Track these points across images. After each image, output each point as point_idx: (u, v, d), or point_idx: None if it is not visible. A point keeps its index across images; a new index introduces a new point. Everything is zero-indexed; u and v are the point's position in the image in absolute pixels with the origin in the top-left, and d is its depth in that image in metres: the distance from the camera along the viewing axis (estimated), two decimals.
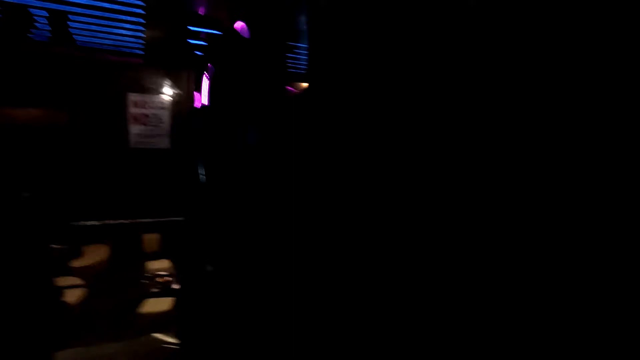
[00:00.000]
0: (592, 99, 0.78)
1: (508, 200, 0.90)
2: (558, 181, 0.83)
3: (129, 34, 4.86)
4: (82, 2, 4.07)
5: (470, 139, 0.99)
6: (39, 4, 3.89)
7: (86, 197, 1.94)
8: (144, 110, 2.36)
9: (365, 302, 1.22)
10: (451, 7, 1.03)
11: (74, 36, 4.93)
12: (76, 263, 2.23)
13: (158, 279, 2.27)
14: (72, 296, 2.06)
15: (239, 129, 2.18)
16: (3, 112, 2.06)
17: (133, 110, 2.30)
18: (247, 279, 2.00)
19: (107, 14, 4.39)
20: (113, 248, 2.18)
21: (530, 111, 0.87)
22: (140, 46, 3.83)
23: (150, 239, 2.38)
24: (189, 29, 3.43)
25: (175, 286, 2.23)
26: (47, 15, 3.69)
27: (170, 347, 1.99)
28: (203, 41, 3.72)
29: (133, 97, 2.33)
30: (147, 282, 2.25)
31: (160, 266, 2.30)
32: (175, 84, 2.52)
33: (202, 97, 2.63)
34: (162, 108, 2.46)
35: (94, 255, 2.22)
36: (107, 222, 2.09)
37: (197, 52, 3.43)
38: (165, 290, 2.22)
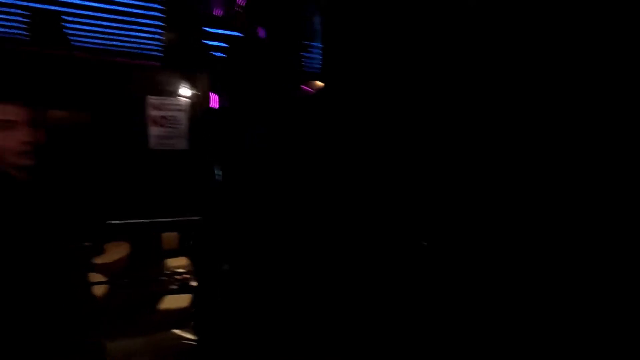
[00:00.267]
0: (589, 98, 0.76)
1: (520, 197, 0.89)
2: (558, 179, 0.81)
3: (147, 36, 4.96)
4: (102, 6, 4.17)
5: (482, 138, 0.97)
6: (65, 9, 4.01)
7: (107, 197, 2.00)
8: (162, 113, 2.42)
9: (389, 300, 1.22)
10: (460, 7, 1.01)
11: (95, 41, 5.06)
12: (98, 260, 2.32)
13: (176, 276, 2.33)
14: (95, 292, 2.14)
15: (255, 129, 2.21)
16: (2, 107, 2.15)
17: (152, 112, 2.36)
18: (263, 277, 2.03)
19: (126, 18, 4.50)
20: (133, 246, 2.24)
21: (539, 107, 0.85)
22: (159, 49, 3.91)
23: (169, 238, 2.44)
24: (205, 31, 3.48)
25: (193, 283, 2.28)
26: (73, 21, 3.81)
27: (188, 343, 2.04)
28: (219, 42, 3.76)
29: (152, 99, 2.39)
30: (166, 279, 2.31)
31: (178, 264, 2.35)
32: (192, 86, 2.57)
33: (219, 98, 2.67)
34: (180, 110, 2.51)
35: (115, 252, 2.29)
36: (127, 221, 2.16)
37: (214, 53, 3.48)
38: (183, 287, 2.27)
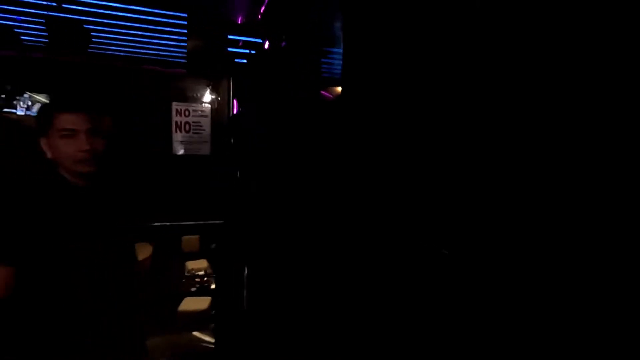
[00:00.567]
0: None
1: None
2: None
3: (173, 44, 5.11)
4: (129, 16, 4.33)
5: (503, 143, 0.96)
6: (93, 19, 4.19)
7: (132, 200, 2.05)
8: (186, 119, 2.48)
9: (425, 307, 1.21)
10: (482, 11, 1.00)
11: (122, 48, 5.26)
12: None
13: (196, 279, 2.36)
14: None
15: (276, 134, 2.23)
16: (66, 117, 2.27)
17: (176, 118, 2.41)
18: (283, 281, 2.03)
19: (152, 27, 4.65)
20: (155, 248, 2.29)
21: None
22: (183, 56, 4.01)
23: (190, 240, 2.48)
24: (228, 38, 3.56)
25: (213, 286, 2.31)
26: (99, 29, 3.97)
27: (206, 346, 2.06)
28: (242, 49, 3.83)
29: (176, 105, 2.45)
30: (186, 281, 2.35)
31: (199, 266, 2.39)
32: (215, 92, 2.62)
33: (240, 104, 2.72)
34: (203, 116, 2.56)
35: (141, 253, 2.35)
36: (151, 224, 2.21)
37: (236, 60, 3.55)
38: (202, 290, 2.31)
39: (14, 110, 2.40)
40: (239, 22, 3.90)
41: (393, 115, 1.54)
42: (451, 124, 1.18)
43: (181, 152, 2.43)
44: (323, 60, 3.68)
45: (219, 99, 2.59)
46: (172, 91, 2.44)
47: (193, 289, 2.31)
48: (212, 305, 2.17)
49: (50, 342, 1.01)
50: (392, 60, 1.56)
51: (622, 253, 0.72)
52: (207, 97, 2.56)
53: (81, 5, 4.01)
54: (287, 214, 2.06)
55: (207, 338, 2.11)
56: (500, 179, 0.98)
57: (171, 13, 4.23)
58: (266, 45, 3.23)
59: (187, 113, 2.45)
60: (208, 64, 3.01)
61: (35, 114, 2.43)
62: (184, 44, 3.93)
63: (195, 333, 2.11)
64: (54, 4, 3.97)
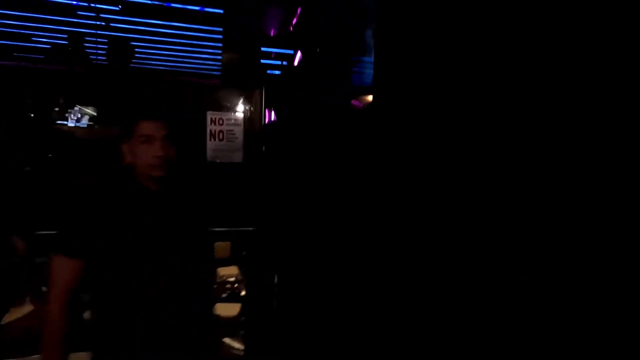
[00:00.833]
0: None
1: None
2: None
3: (208, 57, 5.33)
4: (168, 32, 4.57)
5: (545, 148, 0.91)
6: (137, 36, 4.46)
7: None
8: (220, 127, 2.56)
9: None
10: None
11: (162, 62, 5.54)
12: None
13: (227, 285, 2.40)
14: None
15: (307, 143, 2.25)
16: (147, 125, 2.48)
17: (211, 127, 2.50)
18: (313, 288, 2.02)
19: (189, 41, 4.88)
20: None
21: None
22: (218, 68, 4.17)
23: (222, 247, 2.53)
24: (261, 50, 3.66)
25: (243, 292, 2.33)
26: (143, 45, 4.21)
27: (236, 353, 2.07)
28: (274, 60, 3.93)
29: (211, 115, 2.54)
30: (218, 287, 2.39)
31: (230, 272, 2.42)
32: (248, 102, 2.69)
33: (272, 114, 2.78)
34: (236, 124, 2.63)
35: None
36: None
37: (269, 71, 3.64)
38: (233, 296, 2.33)
39: (65, 122, 2.59)
40: (272, 35, 4.02)
41: (426, 122, 1.51)
42: (487, 137, 1.14)
43: (215, 159, 2.51)
44: (354, 69, 3.70)
45: (252, 108, 2.66)
46: (207, 101, 2.54)
47: (224, 295, 2.34)
48: (242, 311, 2.18)
49: (119, 337, 1.06)
50: (424, 69, 1.54)
51: (622, 253, 0.72)
52: (240, 106, 2.63)
53: (126, 24, 4.31)
54: (316, 222, 2.06)
55: (237, 345, 2.12)
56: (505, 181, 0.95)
57: (208, 28, 4.45)
58: (297, 56, 3.29)
59: (221, 122, 2.54)
60: (242, 75, 3.11)
61: (84, 125, 2.61)
62: (219, 57, 4.09)
63: (225, 339, 2.13)
64: (103, 23, 4.29)
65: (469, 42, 1.19)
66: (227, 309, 2.22)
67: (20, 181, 2.27)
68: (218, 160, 2.51)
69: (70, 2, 3.77)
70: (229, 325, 2.16)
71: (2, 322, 1.81)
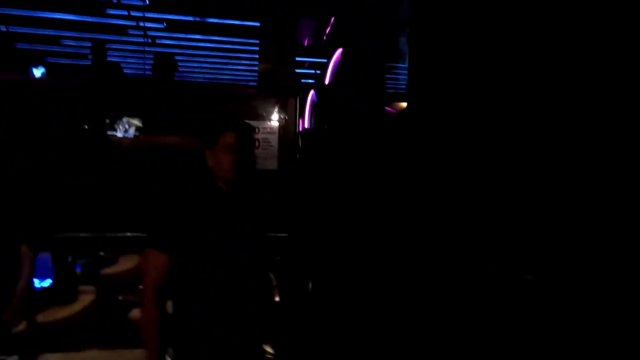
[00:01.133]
0: None
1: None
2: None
3: (245, 68, 5.52)
4: (209, 46, 4.79)
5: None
6: (179, 51, 4.72)
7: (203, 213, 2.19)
8: (255, 135, 2.63)
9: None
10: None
11: (202, 74, 5.81)
12: None
13: None
14: None
15: (340, 150, 2.26)
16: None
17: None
18: (346, 295, 2.01)
19: (227, 53, 5.09)
20: None
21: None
22: (254, 78, 4.30)
23: None
24: (295, 60, 3.75)
25: (277, 298, 2.37)
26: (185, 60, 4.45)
27: (268, 357, 2.09)
28: (308, 69, 4.00)
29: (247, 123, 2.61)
30: None
31: None
32: (282, 110, 2.76)
33: (306, 122, 2.82)
34: (271, 132, 2.70)
35: None
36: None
37: (303, 80, 3.72)
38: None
39: (114, 133, 2.78)
40: (305, 44, 4.10)
41: (461, 131, 1.48)
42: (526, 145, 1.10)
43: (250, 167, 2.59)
44: (387, 76, 3.68)
45: (286, 116, 2.72)
46: (243, 109, 2.63)
47: None
48: (274, 317, 2.21)
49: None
50: (458, 74, 1.52)
51: (622, 251, 0.70)
52: (275, 115, 2.70)
53: (171, 40, 4.58)
54: (351, 230, 2.06)
55: (268, 349, 2.14)
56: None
57: (244, 40, 4.62)
58: (331, 65, 3.33)
59: (256, 130, 2.62)
60: (276, 85, 3.19)
61: (131, 136, 2.78)
62: (255, 67, 4.22)
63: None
64: (149, 40, 4.60)
65: (509, 48, 1.16)
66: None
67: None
68: (257, 167, 2.59)
69: (122, 22, 4.08)
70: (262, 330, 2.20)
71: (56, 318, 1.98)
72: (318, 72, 3.84)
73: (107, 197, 2.55)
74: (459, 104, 1.44)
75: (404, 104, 2.81)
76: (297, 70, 3.82)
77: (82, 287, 2.27)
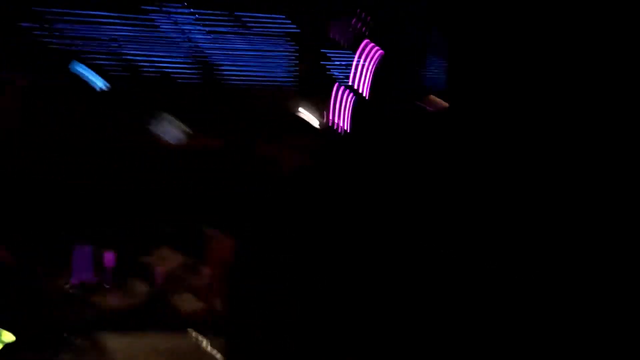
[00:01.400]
0: None
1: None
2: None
3: (281, 68, 5.60)
4: (247, 47, 4.90)
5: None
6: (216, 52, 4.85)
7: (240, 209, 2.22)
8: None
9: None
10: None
11: (235, 76, 5.96)
12: None
13: None
14: None
15: (377, 150, 2.24)
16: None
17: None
18: (347, 297, 1.99)
19: (262, 53, 5.17)
20: None
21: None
22: (291, 79, 4.35)
23: None
24: (330, 57, 3.75)
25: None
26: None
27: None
28: (343, 68, 3.98)
29: None
30: None
31: None
32: (317, 111, 2.77)
33: (342, 122, 2.82)
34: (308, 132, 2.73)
35: None
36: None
37: (339, 80, 3.70)
38: None
39: (159, 134, 2.90)
40: (341, 43, 4.08)
41: (508, 129, 1.42)
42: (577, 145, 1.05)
43: None
44: (424, 73, 3.57)
45: (321, 117, 2.73)
46: (281, 110, 2.68)
47: None
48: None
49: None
50: (499, 69, 1.46)
51: (622, 251, 0.69)
52: (310, 115, 2.72)
53: (208, 42, 4.72)
54: (354, 228, 2.04)
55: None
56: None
57: (281, 40, 4.67)
58: (367, 61, 3.30)
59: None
60: (312, 84, 3.21)
61: (174, 138, 2.90)
62: (293, 67, 4.26)
63: None
64: (192, 44, 4.76)
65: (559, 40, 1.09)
66: None
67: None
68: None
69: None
70: None
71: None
72: (355, 71, 3.81)
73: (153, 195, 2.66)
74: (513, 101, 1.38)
75: (441, 101, 2.73)
76: (332, 69, 3.81)
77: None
